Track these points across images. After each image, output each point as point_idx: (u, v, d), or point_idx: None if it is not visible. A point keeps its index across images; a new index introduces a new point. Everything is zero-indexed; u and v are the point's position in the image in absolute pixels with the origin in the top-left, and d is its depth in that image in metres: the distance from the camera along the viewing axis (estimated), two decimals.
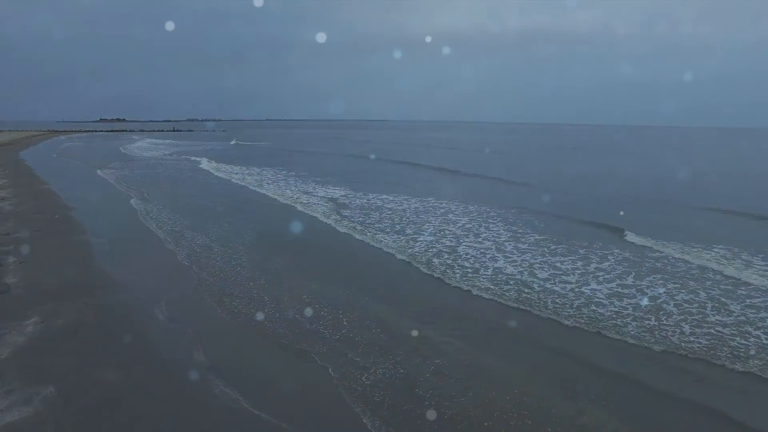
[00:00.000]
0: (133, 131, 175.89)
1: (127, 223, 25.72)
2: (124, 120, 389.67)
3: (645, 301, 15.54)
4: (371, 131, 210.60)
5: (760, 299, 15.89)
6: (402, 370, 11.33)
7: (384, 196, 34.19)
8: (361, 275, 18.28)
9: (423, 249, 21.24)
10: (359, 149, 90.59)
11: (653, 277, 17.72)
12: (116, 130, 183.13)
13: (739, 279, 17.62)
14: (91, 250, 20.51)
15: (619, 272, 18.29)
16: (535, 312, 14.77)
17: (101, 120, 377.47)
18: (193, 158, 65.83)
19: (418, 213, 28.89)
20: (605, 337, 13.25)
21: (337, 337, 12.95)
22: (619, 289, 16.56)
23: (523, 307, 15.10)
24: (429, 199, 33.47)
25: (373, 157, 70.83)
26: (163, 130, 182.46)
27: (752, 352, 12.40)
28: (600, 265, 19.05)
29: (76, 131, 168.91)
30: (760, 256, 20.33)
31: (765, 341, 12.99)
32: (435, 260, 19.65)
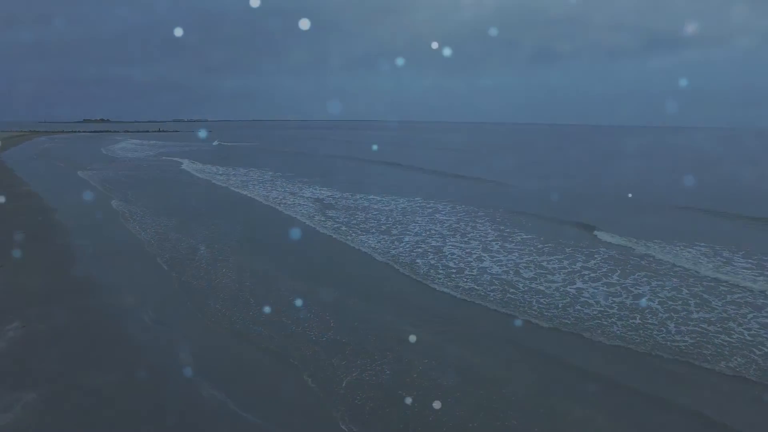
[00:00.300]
0: (118, 132, 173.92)
1: (109, 226, 25.41)
2: (108, 121, 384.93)
3: (630, 300, 15.67)
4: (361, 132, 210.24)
5: (739, 295, 16.11)
6: (388, 371, 11.29)
7: (371, 197, 34.14)
8: (344, 277, 18.24)
9: (408, 249, 21.23)
10: (348, 150, 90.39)
11: (637, 275, 17.88)
12: (100, 131, 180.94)
13: (719, 277, 17.84)
14: (74, 253, 20.23)
15: (604, 271, 18.43)
16: (521, 312, 14.81)
17: (85, 121, 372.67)
18: (175, 159, 65.24)
19: (405, 213, 28.88)
20: (592, 336, 13.31)
21: (324, 339, 12.87)
22: (605, 288, 16.67)
23: (508, 308, 15.12)
24: (416, 198, 33.48)
25: (362, 156, 70.84)
26: (148, 131, 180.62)
27: (736, 350, 12.56)
28: (586, 264, 19.18)
29: (58, 132, 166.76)
30: (740, 253, 20.62)
31: (748, 337, 13.16)
32: (419, 261, 19.63)
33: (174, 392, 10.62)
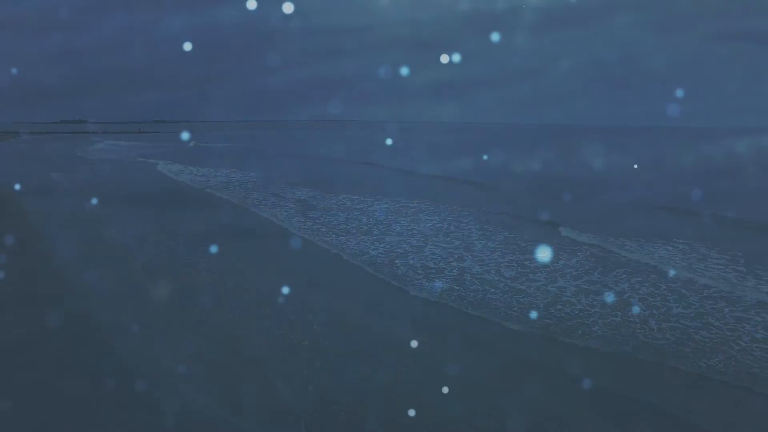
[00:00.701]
0: (96, 133, 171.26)
1: (82, 228, 25.02)
2: (86, 122, 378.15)
3: (611, 298, 15.77)
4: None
5: (714, 290, 16.36)
6: (364, 377, 11.19)
7: (354, 197, 33.99)
8: (322, 280, 18.06)
9: (388, 249, 21.16)
10: (333, 149, 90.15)
11: (617, 272, 18.04)
12: (78, 132, 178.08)
13: (696, 276, 18.10)
14: (47, 257, 19.86)
15: (586, 268, 18.55)
16: (501, 313, 14.78)
17: (62, 122, 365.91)
18: (152, 161, 64.32)
19: (388, 213, 28.80)
20: (574, 336, 13.33)
21: (303, 344, 12.73)
22: (586, 287, 16.77)
23: (487, 310, 15.06)
24: (399, 198, 33.40)
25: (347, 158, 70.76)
26: (127, 132, 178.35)
27: (717, 346, 12.68)
28: (568, 262, 19.29)
29: (34, 133, 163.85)
30: (716, 249, 20.95)
31: (728, 333, 13.29)
32: (398, 261, 19.54)
33: (150, 397, 10.41)
